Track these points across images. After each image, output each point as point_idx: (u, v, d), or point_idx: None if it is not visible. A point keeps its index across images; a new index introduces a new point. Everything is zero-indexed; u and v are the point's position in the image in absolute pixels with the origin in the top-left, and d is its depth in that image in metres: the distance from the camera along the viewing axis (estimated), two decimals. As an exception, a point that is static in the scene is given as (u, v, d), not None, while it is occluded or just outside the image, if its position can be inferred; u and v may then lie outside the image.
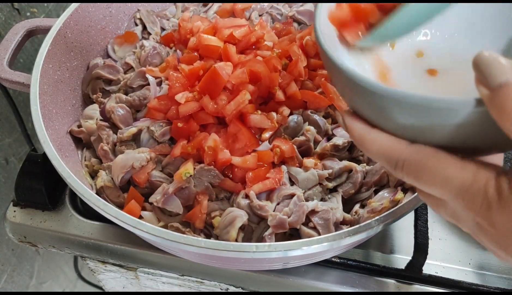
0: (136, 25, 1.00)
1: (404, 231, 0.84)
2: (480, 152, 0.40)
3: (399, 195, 0.70)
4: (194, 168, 0.71)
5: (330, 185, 0.73)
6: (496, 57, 0.33)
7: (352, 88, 0.40)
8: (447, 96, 0.34)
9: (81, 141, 0.83)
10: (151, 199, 0.71)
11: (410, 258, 0.75)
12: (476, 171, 0.35)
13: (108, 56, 0.93)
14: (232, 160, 0.71)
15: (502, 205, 0.33)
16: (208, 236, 0.70)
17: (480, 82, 0.34)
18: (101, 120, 0.81)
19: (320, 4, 0.48)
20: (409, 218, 0.77)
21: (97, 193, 0.70)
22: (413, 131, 0.38)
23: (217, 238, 0.68)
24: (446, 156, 0.37)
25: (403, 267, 0.76)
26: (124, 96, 0.83)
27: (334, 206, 0.70)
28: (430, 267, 0.78)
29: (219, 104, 0.74)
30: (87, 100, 0.88)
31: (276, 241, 0.67)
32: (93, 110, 0.83)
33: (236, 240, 0.66)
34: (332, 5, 0.50)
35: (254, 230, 0.69)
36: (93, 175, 0.79)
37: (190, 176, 0.70)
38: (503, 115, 0.32)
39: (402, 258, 0.80)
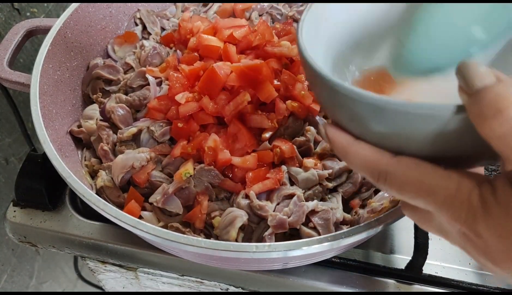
0: (136, 25, 1.00)
1: (404, 231, 0.84)
2: (462, 162, 0.39)
3: (399, 195, 0.70)
4: (194, 168, 0.71)
5: (330, 185, 0.73)
6: (476, 64, 0.34)
7: (330, 95, 0.40)
8: (426, 102, 0.34)
9: (81, 141, 0.82)
10: (151, 199, 0.71)
11: (410, 258, 0.75)
12: (460, 180, 0.35)
13: (108, 56, 0.93)
14: (232, 160, 0.71)
15: (486, 214, 0.33)
16: (208, 236, 0.70)
17: (461, 89, 0.34)
18: (101, 120, 0.81)
19: (302, 18, 0.47)
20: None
21: (97, 193, 0.70)
22: (395, 142, 0.38)
23: (217, 238, 0.68)
24: (430, 166, 0.37)
25: (403, 267, 0.76)
26: (124, 96, 0.83)
27: (334, 206, 0.70)
28: (430, 267, 0.78)
29: (219, 105, 0.74)
30: (87, 100, 0.88)
31: (276, 241, 0.67)
32: (93, 110, 0.83)
33: (236, 240, 0.66)
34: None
35: (254, 230, 0.69)
36: (93, 175, 0.79)
37: (190, 176, 0.70)
38: (481, 120, 0.32)
39: (402, 258, 0.80)
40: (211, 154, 0.71)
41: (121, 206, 0.73)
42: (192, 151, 0.73)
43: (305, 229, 0.67)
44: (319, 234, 0.66)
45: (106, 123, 0.80)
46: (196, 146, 0.73)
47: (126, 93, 0.85)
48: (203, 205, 0.69)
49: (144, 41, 0.92)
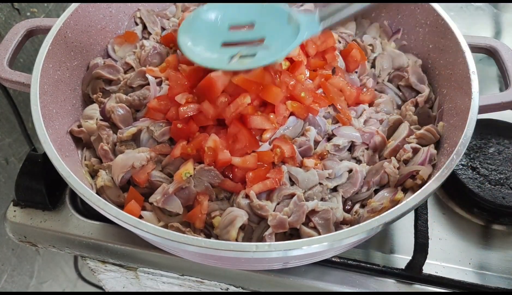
0: (137, 24, 1.00)
1: (404, 231, 0.84)
2: None
3: (399, 194, 0.70)
4: (194, 168, 0.71)
5: (330, 185, 0.73)
6: None
7: None
8: None
9: (81, 140, 0.82)
10: (151, 199, 0.71)
11: (410, 258, 0.75)
12: None
13: (108, 56, 0.93)
14: (232, 160, 0.71)
15: None
16: (208, 236, 0.70)
17: None
18: (101, 120, 0.81)
19: None
20: (409, 218, 0.77)
21: (97, 193, 0.70)
22: None
23: (217, 237, 0.68)
24: None
25: (403, 267, 0.76)
26: (124, 96, 0.83)
27: (334, 206, 0.70)
28: (430, 267, 0.78)
29: (219, 107, 0.73)
30: (87, 100, 0.88)
31: (276, 240, 0.67)
32: (93, 110, 0.83)
33: (237, 240, 0.66)
34: None
35: (254, 230, 0.69)
36: (93, 174, 0.79)
37: (190, 176, 0.70)
38: None
39: (402, 258, 0.80)
40: (211, 154, 0.71)
41: (121, 206, 0.73)
42: (192, 151, 0.73)
43: (305, 229, 0.67)
44: (319, 234, 0.66)
45: (106, 123, 0.80)
46: (196, 146, 0.73)
47: (126, 93, 0.85)
48: (203, 205, 0.69)
49: (144, 41, 0.92)
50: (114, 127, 0.81)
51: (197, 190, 0.71)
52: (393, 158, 0.75)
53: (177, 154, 0.73)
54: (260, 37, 0.78)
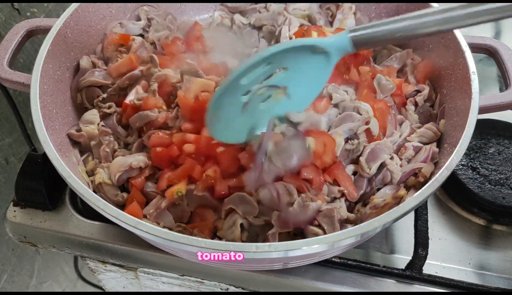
0: (139, 20, 0.96)
1: (404, 231, 0.84)
2: None
3: (402, 191, 0.70)
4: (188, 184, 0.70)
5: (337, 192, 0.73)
6: None
7: None
8: None
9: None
10: (145, 211, 0.71)
11: (410, 258, 0.75)
12: None
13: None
14: (229, 183, 0.70)
15: None
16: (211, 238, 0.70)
17: None
18: (103, 125, 0.80)
19: None
20: (409, 218, 0.77)
21: (94, 190, 0.70)
22: None
23: (220, 239, 0.68)
24: None
25: (403, 267, 0.76)
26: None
27: (337, 206, 0.70)
28: (430, 267, 0.78)
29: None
30: (77, 106, 0.85)
31: (280, 240, 0.66)
32: (93, 115, 0.81)
33: (242, 241, 0.66)
34: None
35: (259, 234, 0.69)
36: (90, 174, 0.78)
37: (182, 194, 0.70)
38: None
39: (402, 258, 0.80)
40: (205, 180, 0.68)
41: (119, 205, 0.72)
42: (178, 181, 0.70)
43: (310, 227, 0.67)
44: (325, 232, 0.66)
45: (108, 129, 0.79)
46: (182, 176, 0.70)
47: (119, 96, 0.84)
48: (210, 215, 0.69)
49: (136, 38, 0.89)
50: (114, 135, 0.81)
51: (190, 209, 0.71)
52: (395, 156, 0.75)
53: (163, 187, 0.70)
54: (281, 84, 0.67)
